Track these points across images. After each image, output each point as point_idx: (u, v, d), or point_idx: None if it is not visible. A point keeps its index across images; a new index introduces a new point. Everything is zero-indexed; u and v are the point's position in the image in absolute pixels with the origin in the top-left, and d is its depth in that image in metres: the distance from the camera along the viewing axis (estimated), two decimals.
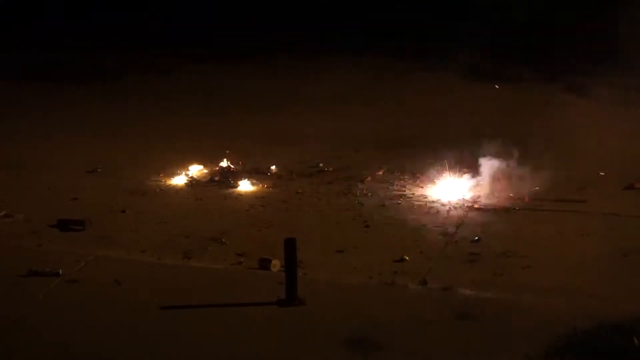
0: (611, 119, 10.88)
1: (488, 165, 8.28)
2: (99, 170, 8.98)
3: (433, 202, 7.85)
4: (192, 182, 8.58)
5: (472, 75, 14.03)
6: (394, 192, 8.17)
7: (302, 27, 17.20)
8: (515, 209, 7.59)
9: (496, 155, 8.43)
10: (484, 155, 8.40)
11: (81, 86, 13.58)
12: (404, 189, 8.23)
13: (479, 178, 8.18)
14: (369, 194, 8.11)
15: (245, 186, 8.40)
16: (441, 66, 14.84)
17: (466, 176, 8.24)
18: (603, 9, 15.46)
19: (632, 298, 5.54)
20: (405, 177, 8.59)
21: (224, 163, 9.01)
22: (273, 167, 8.92)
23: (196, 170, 8.90)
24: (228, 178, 8.62)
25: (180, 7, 18.52)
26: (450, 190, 8.08)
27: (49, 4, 18.76)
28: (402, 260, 6.40)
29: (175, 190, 8.39)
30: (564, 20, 16.10)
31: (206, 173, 8.86)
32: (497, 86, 11.71)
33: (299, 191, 8.22)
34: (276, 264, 6.14)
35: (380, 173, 8.72)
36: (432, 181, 8.40)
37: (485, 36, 15.91)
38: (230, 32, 17.38)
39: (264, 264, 6.22)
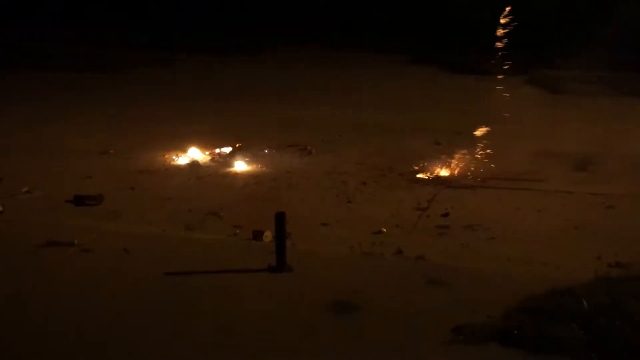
0: (572, 108, 10.93)
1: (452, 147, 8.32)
2: (111, 152, 8.93)
3: (408, 180, 7.85)
4: (194, 163, 8.55)
5: (446, 68, 14.06)
6: (373, 171, 8.16)
7: (289, 24, 17.18)
8: (480, 186, 7.62)
9: (461, 138, 8.46)
10: (449, 139, 8.43)
11: (94, 76, 13.51)
12: (381, 169, 8.23)
13: (446, 159, 8.20)
14: (351, 173, 8.10)
15: (241, 166, 8.38)
16: (419, 60, 14.87)
17: (437, 158, 8.27)
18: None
19: (582, 266, 5.56)
20: (383, 158, 8.59)
21: (223, 146, 9.00)
22: (266, 150, 8.90)
23: (197, 151, 8.87)
24: (226, 159, 8.60)
25: (182, 5, 18.48)
26: (421, 169, 8.09)
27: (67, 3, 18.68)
28: (380, 232, 6.40)
29: (179, 169, 8.36)
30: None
31: (207, 154, 8.83)
32: None
33: (289, 171, 8.20)
34: (268, 235, 6.13)
35: (363, 157, 8.71)
36: (406, 162, 8.41)
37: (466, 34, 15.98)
38: (227, 27, 17.33)
39: (257, 235, 6.22)
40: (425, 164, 8.23)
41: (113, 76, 13.63)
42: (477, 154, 8.34)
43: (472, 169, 8.07)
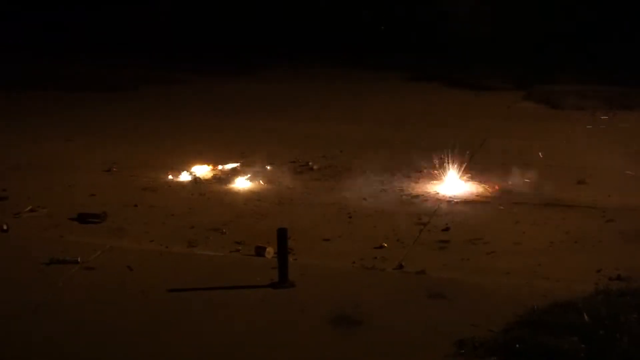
0: (571, 122, 10.93)
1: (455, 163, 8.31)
2: (114, 169, 8.93)
3: (408, 195, 7.84)
4: (197, 180, 8.54)
5: (446, 85, 14.09)
6: (374, 187, 8.14)
7: (286, 42, 17.25)
8: (480, 201, 7.61)
9: (460, 154, 8.47)
10: (451, 154, 8.42)
11: (99, 95, 13.54)
12: (382, 185, 8.21)
13: (446, 174, 8.19)
14: (352, 189, 8.08)
15: (243, 183, 8.37)
16: (418, 76, 14.91)
17: (437, 172, 8.26)
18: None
19: (582, 279, 5.55)
20: (383, 174, 8.56)
21: (225, 163, 9.00)
22: (268, 167, 8.90)
23: (200, 169, 8.87)
24: (228, 175, 8.60)
25: (184, 26, 18.57)
26: (423, 184, 8.08)
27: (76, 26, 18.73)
28: (381, 247, 6.38)
29: (182, 186, 8.35)
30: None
31: (209, 171, 8.83)
32: None
33: (290, 187, 8.19)
34: (270, 251, 6.13)
35: (362, 171, 8.68)
36: (407, 177, 8.40)
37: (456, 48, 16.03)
38: (227, 48, 17.43)
39: (259, 251, 6.21)
40: (426, 179, 8.21)
41: (115, 94, 13.66)
42: (479, 169, 8.32)
43: (473, 183, 8.06)
